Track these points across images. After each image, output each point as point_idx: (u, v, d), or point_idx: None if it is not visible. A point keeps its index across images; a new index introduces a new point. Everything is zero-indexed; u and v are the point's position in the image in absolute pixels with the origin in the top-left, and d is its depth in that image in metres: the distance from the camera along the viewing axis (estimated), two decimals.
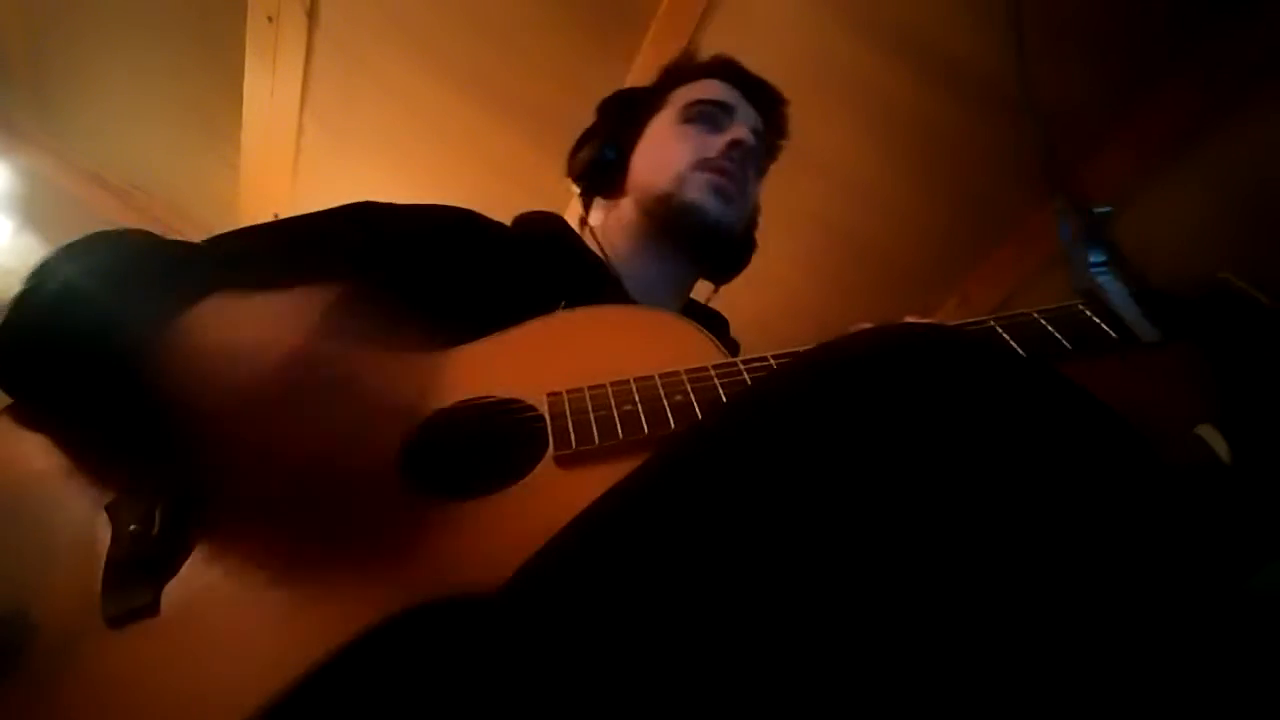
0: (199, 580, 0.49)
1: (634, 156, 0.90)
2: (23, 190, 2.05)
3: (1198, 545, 0.34)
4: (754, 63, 1.00)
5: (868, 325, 0.51)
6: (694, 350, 0.58)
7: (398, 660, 0.44)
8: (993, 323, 0.54)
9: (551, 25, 1.45)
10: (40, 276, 0.58)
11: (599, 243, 0.89)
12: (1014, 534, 0.33)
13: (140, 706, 0.44)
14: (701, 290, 0.96)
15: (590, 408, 0.54)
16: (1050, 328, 0.53)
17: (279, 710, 0.41)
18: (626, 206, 0.89)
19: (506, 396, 0.57)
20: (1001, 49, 0.62)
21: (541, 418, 0.55)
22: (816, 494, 0.35)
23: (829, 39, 1.29)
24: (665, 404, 0.53)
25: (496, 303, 0.67)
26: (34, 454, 0.58)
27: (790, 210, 1.53)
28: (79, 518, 0.53)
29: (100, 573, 0.50)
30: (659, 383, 0.55)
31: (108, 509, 0.53)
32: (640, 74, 1.42)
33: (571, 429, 0.53)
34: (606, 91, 0.98)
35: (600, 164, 0.90)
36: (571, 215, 0.94)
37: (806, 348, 0.45)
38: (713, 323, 0.94)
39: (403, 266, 0.71)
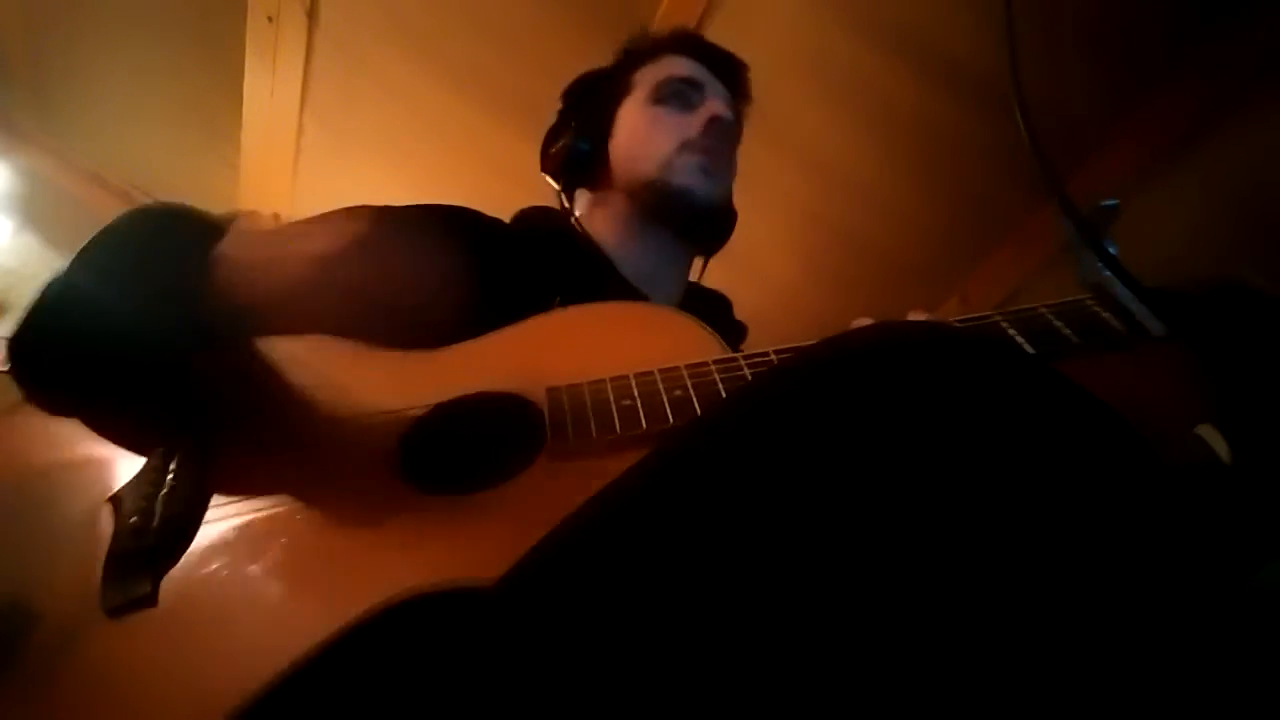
0: (199, 571, 0.49)
1: (611, 145, 0.90)
2: (23, 190, 2.05)
3: (1198, 545, 0.34)
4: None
5: (869, 321, 0.51)
6: (694, 345, 0.58)
7: (395, 650, 0.44)
8: (999, 318, 0.54)
9: (551, 25, 1.45)
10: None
11: (591, 235, 0.88)
12: (1014, 533, 0.33)
13: (137, 696, 0.44)
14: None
15: (589, 403, 0.54)
16: (1057, 321, 0.53)
17: (274, 700, 0.41)
18: (614, 197, 0.89)
19: (506, 391, 0.57)
20: (1001, 49, 0.62)
21: (541, 412, 0.55)
22: (815, 490, 0.35)
23: (829, 39, 1.29)
24: (664, 399, 0.53)
25: (497, 299, 0.67)
26: (38, 449, 0.58)
27: (790, 209, 1.53)
28: (82, 511, 0.54)
29: (101, 565, 0.50)
30: (658, 378, 0.55)
31: (110, 501, 0.53)
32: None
33: (570, 424, 0.53)
34: None
35: (576, 157, 0.89)
36: None
37: (808, 344, 0.45)
38: (715, 304, 0.94)
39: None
